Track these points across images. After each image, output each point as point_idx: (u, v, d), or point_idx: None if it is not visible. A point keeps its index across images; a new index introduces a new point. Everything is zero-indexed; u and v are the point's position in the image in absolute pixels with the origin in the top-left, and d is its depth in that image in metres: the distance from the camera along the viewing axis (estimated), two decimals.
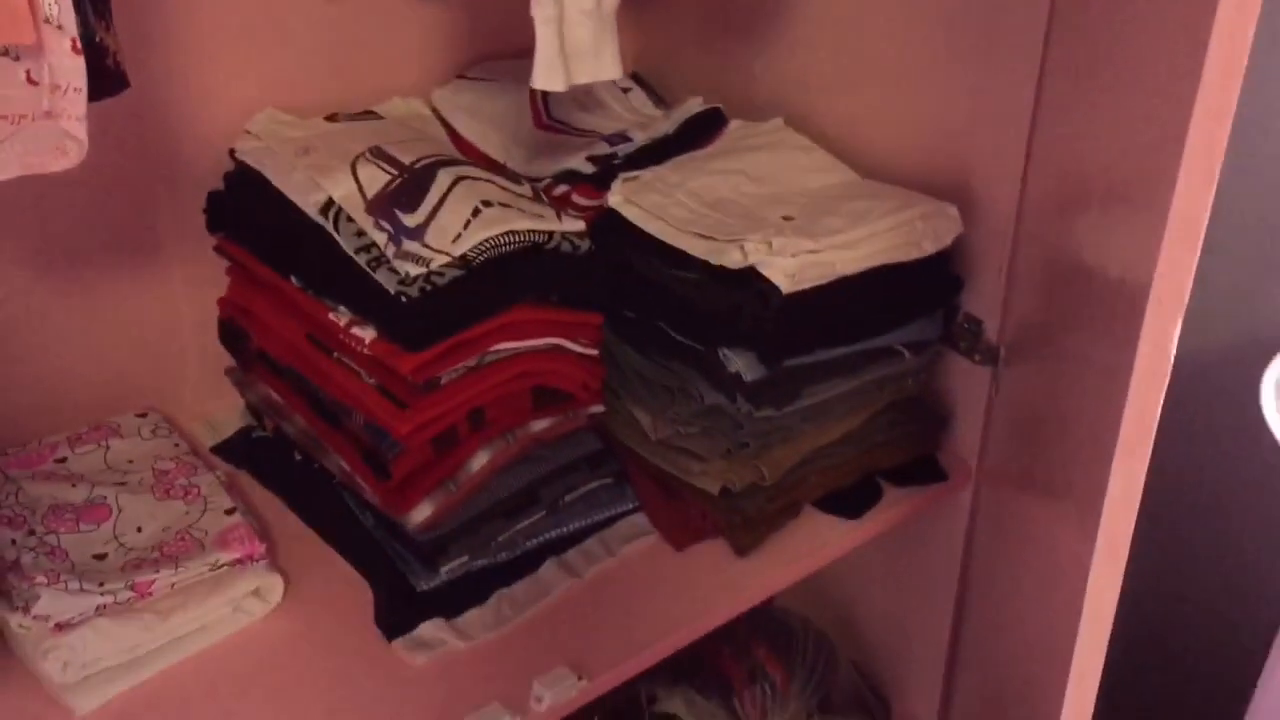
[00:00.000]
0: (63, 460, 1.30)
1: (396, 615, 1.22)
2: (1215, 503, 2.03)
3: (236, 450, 1.44)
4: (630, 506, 1.36)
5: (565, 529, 1.33)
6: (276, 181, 1.28)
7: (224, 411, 1.50)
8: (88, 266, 1.37)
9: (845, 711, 1.60)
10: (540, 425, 1.30)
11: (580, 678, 1.16)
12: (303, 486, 1.39)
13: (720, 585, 1.29)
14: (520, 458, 1.28)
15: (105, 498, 1.24)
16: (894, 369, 1.34)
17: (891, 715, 1.67)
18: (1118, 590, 1.24)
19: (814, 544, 1.35)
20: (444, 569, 1.25)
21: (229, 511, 1.25)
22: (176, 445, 1.35)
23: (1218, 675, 1.97)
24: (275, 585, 1.22)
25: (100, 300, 1.39)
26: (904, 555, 1.61)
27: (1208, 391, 1.86)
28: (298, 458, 1.41)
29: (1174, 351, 1.09)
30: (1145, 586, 1.09)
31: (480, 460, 1.25)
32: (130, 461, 1.31)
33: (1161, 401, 1.12)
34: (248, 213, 1.34)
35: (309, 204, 1.24)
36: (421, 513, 1.23)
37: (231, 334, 1.42)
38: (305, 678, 1.16)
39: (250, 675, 1.16)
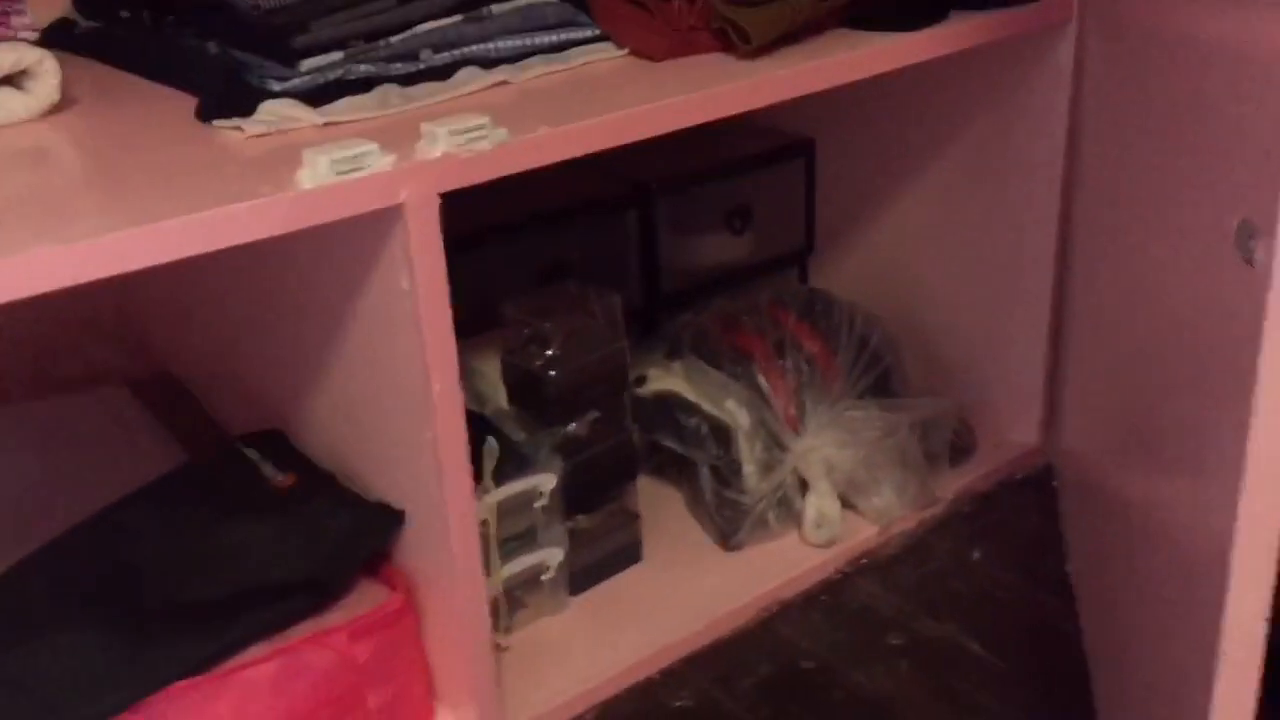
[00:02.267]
0: None
1: (227, 101, 0.81)
2: None
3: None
4: (589, 34, 0.95)
5: (492, 46, 0.92)
6: None
7: None
8: None
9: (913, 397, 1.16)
10: None
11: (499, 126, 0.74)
12: (128, 39, 0.99)
13: (718, 79, 0.87)
14: None
15: None
16: None
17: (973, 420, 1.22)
18: None
19: (843, 51, 0.94)
20: (305, 63, 0.84)
21: None
22: None
23: None
24: (46, 71, 0.82)
25: None
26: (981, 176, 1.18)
27: None
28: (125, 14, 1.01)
29: None
30: None
31: None
32: None
33: None
34: None
35: None
36: None
37: None
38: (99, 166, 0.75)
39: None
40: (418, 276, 0.73)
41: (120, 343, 1.22)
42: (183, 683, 0.77)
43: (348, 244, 0.77)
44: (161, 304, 1.21)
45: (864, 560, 1.10)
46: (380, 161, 0.70)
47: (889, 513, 1.12)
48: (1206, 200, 0.63)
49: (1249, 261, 0.53)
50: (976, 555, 1.11)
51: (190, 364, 1.18)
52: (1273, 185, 0.52)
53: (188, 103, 0.85)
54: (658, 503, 1.15)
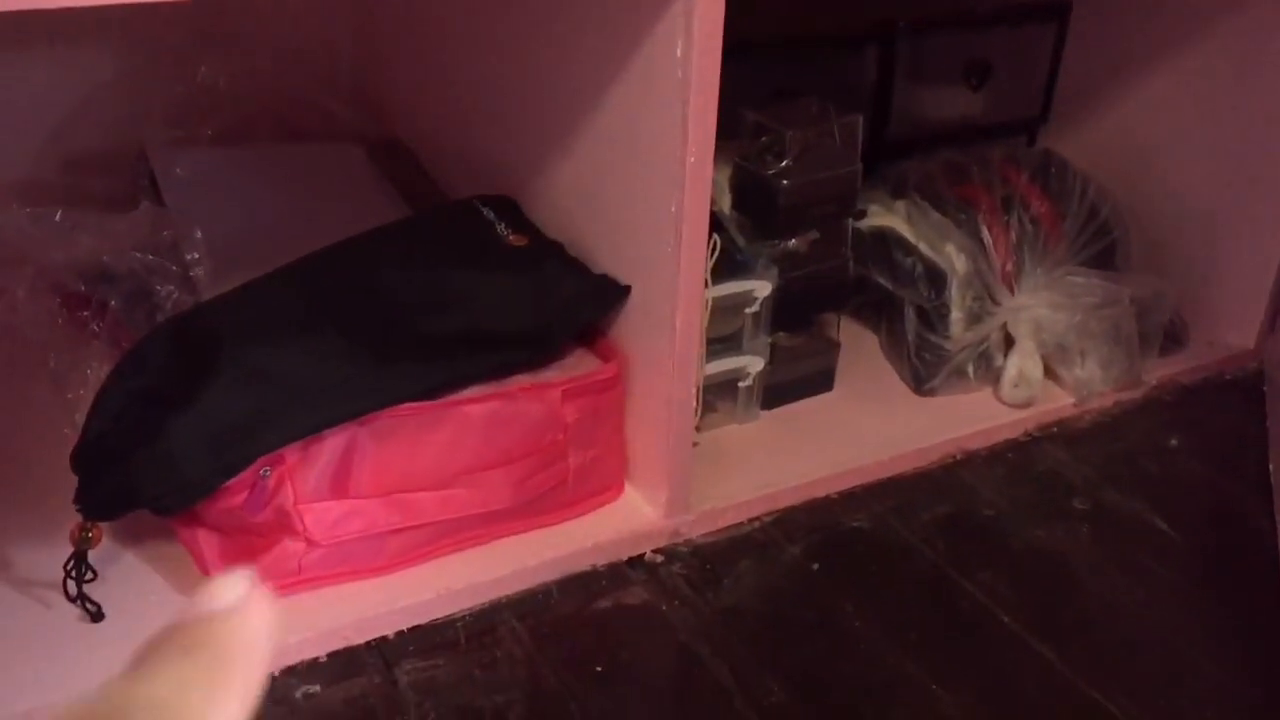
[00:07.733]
0: None
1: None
2: None
3: None
4: None
5: None
6: None
7: None
8: None
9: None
10: None
11: None
12: None
13: None
14: None
15: None
16: None
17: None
18: None
19: None
20: None
21: None
22: None
23: None
24: None
25: None
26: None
27: None
28: None
29: None
30: None
31: None
32: None
33: None
34: None
35: None
36: None
37: None
38: None
39: None
40: (695, 40, 0.73)
41: (357, 105, 1.26)
42: (410, 404, 0.81)
43: (627, 6, 0.78)
44: (398, 70, 1.24)
45: (1055, 428, 1.09)
46: None
47: (1090, 385, 1.10)
48: None
49: None
50: (1174, 443, 1.09)
51: (422, 133, 1.22)
52: None
53: None
54: (854, 343, 1.15)
